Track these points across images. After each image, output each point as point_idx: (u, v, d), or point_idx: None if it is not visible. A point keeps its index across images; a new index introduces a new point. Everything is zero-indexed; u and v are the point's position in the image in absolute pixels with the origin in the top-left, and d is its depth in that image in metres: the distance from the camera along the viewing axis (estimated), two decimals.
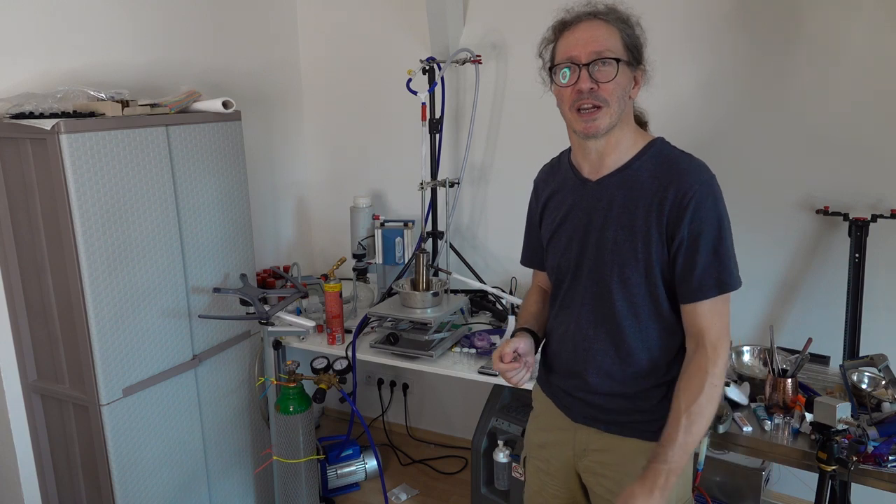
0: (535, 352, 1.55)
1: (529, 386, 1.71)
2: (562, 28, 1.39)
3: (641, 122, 1.48)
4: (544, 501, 1.63)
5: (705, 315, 1.33)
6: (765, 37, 2.33)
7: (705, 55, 2.42)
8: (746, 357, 2.19)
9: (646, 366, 1.42)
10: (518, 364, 1.45)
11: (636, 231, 1.36)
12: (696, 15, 2.40)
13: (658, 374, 1.42)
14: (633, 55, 1.37)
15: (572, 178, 1.48)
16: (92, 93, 1.97)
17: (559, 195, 1.51)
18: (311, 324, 2.25)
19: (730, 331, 1.36)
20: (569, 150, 1.52)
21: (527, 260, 1.70)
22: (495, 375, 2.17)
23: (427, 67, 2.64)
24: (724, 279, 1.32)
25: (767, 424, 1.85)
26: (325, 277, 2.68)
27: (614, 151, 1.40)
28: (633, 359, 1.42)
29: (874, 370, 1.88)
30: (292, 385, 2.26)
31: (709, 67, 2.43)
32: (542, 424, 1.62)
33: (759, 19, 2.32)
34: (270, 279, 2.78)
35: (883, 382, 1.90)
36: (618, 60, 1.32)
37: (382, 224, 2.83)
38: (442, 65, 2.64)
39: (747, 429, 1.84)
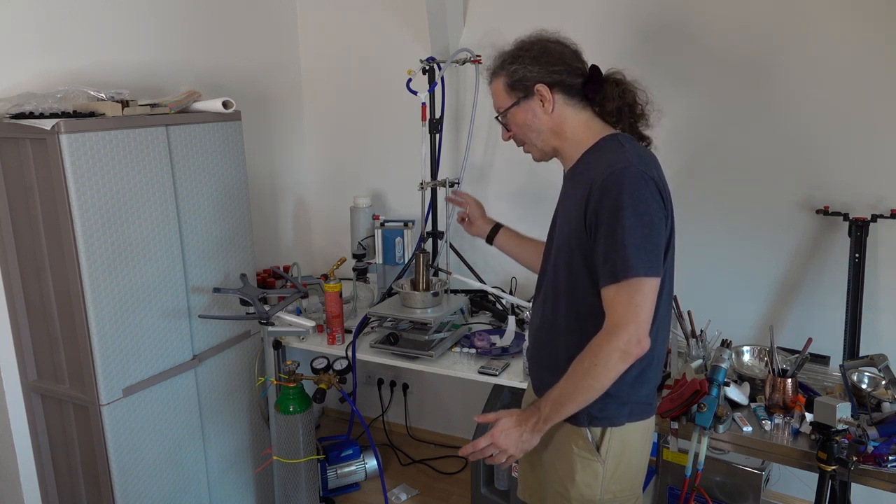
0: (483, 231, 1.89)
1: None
2: None
3: (610, 112, 1.48)
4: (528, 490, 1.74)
5: (608, 301, 1.35)
6: (764, 37, 2.33)
7: (706, 58, 2.43)
8: (746, 357, 2.19)
9: (562, 352, 1.47)
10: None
11: (570, 220, 1.43)
12: (700, 19, 2.41)
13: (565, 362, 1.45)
14: (520, 89, 1.47)
15: None
16: (92, 93, 1.97)
17: None
18: (311, 324, 2.25)
19: (640, 317, 1.31)
20: None
21: None
22: (495, 375, 2.18)
23: (427, 67, 2.64)
24: (617, 268, 1.31)
25: (767, 424, 1.85)
26: (325, 277, 2.68)
27: (566, 155, 1.51)
28: (554, 341, 1.50)
29: (874, 370, 1.88)
30: (292, 385, 2.26)
31: (709, 68, 2.43)
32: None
33: (758, 21, 2.33)
34: (270, 279, 2.78)
35: (883, 382, 1.90)
36: (506, 110, 1.49)
37: (382, 224, 2.83)
38: (442, 65, 2.64)
39: (747, 429, 1.84)
